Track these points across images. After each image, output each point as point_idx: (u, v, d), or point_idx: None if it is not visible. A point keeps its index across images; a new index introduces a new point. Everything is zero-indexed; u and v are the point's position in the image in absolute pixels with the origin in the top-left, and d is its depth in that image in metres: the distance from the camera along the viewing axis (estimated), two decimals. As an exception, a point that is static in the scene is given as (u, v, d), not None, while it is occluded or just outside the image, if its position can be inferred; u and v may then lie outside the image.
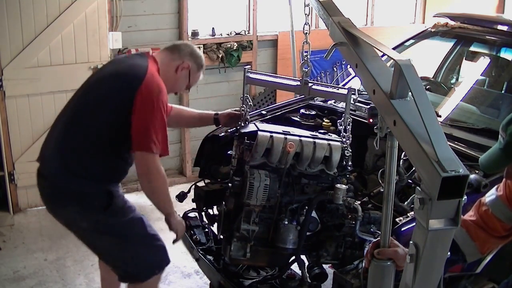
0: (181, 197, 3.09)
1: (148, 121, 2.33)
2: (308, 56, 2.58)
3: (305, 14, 2.54)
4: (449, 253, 1.35)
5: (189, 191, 3.11)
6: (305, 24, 2.58)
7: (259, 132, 2.48)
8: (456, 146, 2.74)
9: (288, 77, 2.96)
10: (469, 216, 1.97)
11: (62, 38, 4.10)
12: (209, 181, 3.09)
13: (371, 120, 2.79)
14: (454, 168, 1.18)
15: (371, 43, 1.49)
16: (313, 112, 3.28)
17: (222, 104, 5.25)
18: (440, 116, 3.14)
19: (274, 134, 2.46)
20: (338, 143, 2.51)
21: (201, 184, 3.08)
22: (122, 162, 2.51)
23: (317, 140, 2.48)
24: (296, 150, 2.43)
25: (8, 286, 3.46)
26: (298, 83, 2.68)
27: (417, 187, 1.27)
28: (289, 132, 2.53)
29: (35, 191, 4.22)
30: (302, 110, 3.31)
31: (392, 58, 1.36)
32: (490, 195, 1.96)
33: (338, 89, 2.73)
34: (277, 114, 3.37)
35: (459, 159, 1.22)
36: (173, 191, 2.81)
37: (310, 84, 2.65)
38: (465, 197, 1.24)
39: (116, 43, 4.34)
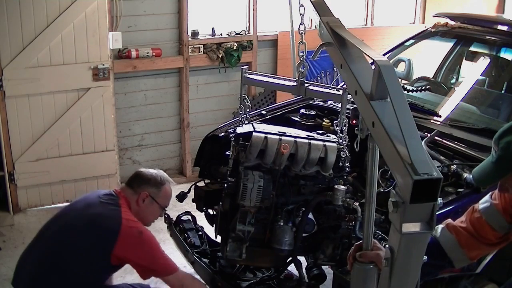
0: (181, 197, 3.09)
1: (150, 257, 2.47)
2: (304, 57, 2.55)
3: (300, 14, 2.50)
4: (425, 258, 1.33)
5: (189, 191, 3.11)
6: (300, 24, 2.52)
7: (253, 133, 2.46)
8: (456, 146, 2.73)
9: (285, 78, 2.94)
10: (459, 222, 1.95)
11: (62, 38, 4.09)
12: (209, 181, 3.09)
13: (354, 121, 2.77)
14: (427, 171, 1.15)
15: (355, 43, 1.47)
16: (313, 112, 3.27)
17: (222, 104, 5.25)
18: (440, 116, 3.13)
19: (268, 135, 2.44)
20: (334, 144, 2.49)
21: (201, 184, 3.08)
22: None
23: (312, 141, 2.46)
24: (291, 151, 2.41)
25: (8, 286, 3.44)
26: (294, 83, 2.67)
27: (392, 190, 1.24)
28: (284, 133, 2.51)
29: (35, 191, 4.28)
30: (302, 110, 3.30)
31: (372, 59, 1.34)
32: (484, 202, 1.93)
33: (334, 90, 2.72)
34: (277, 114, 3.37)
35: (433, 162, 1.19)
36: (173, 191, 2.81)
37: (306, 85, 2.63)
38: (440, 200, 1.21)
39: (116, 43, 4.34)
